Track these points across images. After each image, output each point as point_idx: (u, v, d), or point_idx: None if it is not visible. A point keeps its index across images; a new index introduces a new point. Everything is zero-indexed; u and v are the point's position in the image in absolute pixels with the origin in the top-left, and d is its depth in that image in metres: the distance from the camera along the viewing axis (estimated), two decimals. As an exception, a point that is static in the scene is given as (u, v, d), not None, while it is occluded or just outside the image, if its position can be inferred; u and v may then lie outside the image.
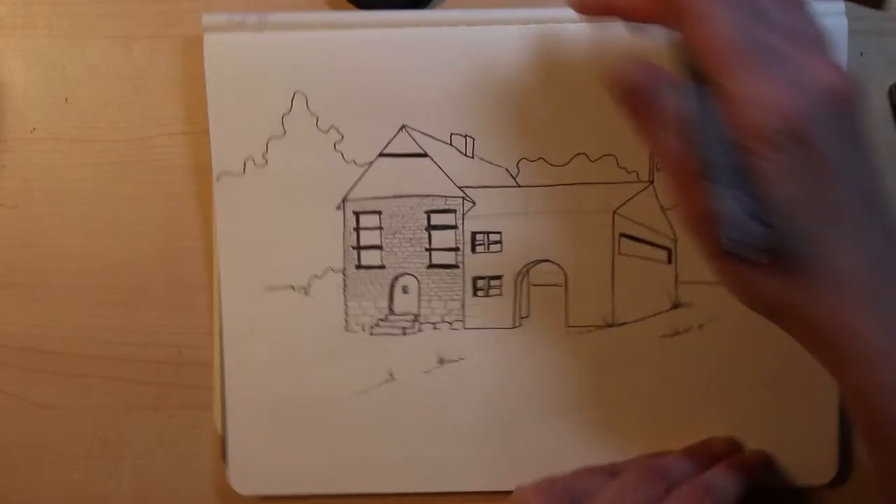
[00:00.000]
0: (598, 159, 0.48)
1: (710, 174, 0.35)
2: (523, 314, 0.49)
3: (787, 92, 0.34)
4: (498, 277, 0.49)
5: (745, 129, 0.34)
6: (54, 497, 0.51)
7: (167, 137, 0.50)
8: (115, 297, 0.51)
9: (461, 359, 0.49)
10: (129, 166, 0.50)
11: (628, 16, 0.39)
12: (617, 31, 0.41)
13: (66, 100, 0.50)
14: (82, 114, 0.50)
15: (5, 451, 0.51)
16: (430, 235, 0.49)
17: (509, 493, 0.47)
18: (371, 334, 0.49)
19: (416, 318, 0.49)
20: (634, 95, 0.37)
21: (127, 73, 0.50)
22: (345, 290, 0.49)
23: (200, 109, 0.49)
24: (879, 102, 0.50)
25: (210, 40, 0.48)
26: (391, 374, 0.49)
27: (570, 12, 0.42)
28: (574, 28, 0.47)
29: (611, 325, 0.49)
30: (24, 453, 0.51)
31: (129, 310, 0.51)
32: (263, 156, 0.48)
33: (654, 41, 0.39)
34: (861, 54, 0.49)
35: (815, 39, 0.37)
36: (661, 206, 0.49)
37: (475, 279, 0.49)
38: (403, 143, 0.48)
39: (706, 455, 0.48)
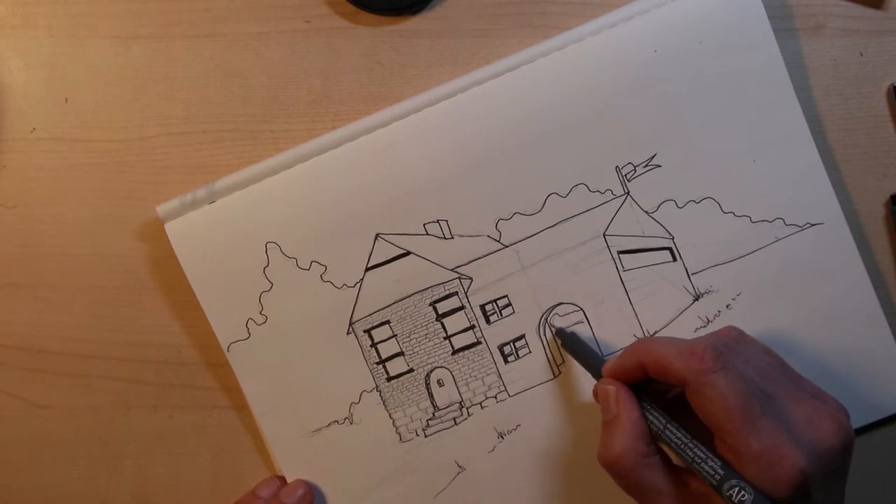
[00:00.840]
0: (569, 193, 0.49)
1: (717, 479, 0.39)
2: (559, 361, 0.50)
3: (791, 452, 0.37)
4: (521, 337, 0.50)
5: (754, 480, 0.38)
6: (54, 497, 0.51)
7: (167, 137, 0.50)
8: (115, 297, 0.51)
9: (518, 426, 0.50)
10: (129, 166, 0.50)
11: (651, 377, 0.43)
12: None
13: (66, 100, 0.50)
14: (82, 114, 0.50)
15: (5, 451, 0.51)
16: (443, 324, 0.50)
17: None
18: (426, 436, 0.50)
19: (462, 404, 0.50)
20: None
21: (127, 73, 0.50)
22: (385, 406, 0.50)
23: (200, 109, 0.49)
24: (879, 102, 0.50)
25: (171, 228, 0.48)
26: (459, 465, 0.50)
27: (497, 66, 0.46)
28: (507, 79, 0.48)
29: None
30: (24, 453, 0.51)
31: (129, 310, 0.51)
32: (261, 313, 0.49)
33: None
34: (861, 54, 0.49)
35: (812, 387, 0.41)
36: (646, 211, 0.49)
37: (501, 347, 0.50)
38: (384, 250, 0.49)
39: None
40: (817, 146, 0.49)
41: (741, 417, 0.38)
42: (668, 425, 0.41)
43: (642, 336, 0.49)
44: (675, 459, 0.42)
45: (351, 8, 0.49)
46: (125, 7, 0.50)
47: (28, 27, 0.50)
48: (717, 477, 0.38)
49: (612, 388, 0.43)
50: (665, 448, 0.42)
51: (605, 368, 0.44)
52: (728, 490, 0.37)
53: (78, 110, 0.50)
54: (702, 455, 0.39)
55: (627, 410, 0.42)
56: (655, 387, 0.44)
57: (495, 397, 0.50)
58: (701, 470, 0.39)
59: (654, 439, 0.42)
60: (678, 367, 0.40)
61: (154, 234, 0.50)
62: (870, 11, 0.49)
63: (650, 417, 0.42)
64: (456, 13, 0.50)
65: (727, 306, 0.49)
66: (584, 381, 0.49)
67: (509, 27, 0.49)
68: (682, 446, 0.40)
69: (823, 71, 0.49)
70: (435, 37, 0.50)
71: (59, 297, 0.51)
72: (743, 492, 0.37)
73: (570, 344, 0.48)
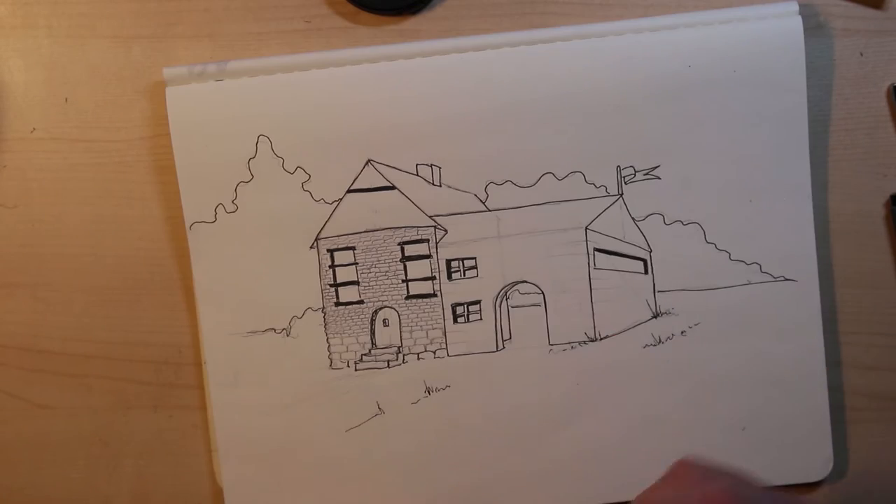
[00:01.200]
0: (565, 177, 0.49)
1: None
2: (505, 337, 0.50)
3: None
4: (476, 303, 0.50)
5: None
6: (54, 497, 0.51)
7: (167, 137, 0.50)
8: (115, 297, 0.51)
9: (448, 386, 0.50)
10: (129, 166, 0.50)
11: None
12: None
13: (66, 100, 0.50)
14: (82, 114, 0.50)
15: (5, 451, 0.51)
16: (405, 266, 0.50)
17: None
18: (356, 370, 0.50)
19: (399, 349, 0.50)
20: None
21: (127, 73, 0.50)
22: (326, 328, 0.50)
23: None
24: (879, 102, 0.50)
25: (172, 93, 0.48)
26: (380, 408, 0.50)
27: (534, 34, 0.45)
28: (538, 50, 0.48)
29: (593, 340, 0.49)
30: (24, 453, 0.51)
31: (129, 310, 0.51)
32: (233, 202, 0.49)
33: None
34: (861, 54, 0.49)
35: None
36: (633, 218, 0.49)
37: (454, 306, 0.50)
38: (370, 178, 0.49)
39: None
40: (817, 146, 0.49)
41: None
42: None
43: (594, 336, 0.49)
44: None
45: (351, 8, 0.49)
46: (125, 7, 0.50)
47: (28, 27, 0.50)
48: None
49: None
50: None
51: None
52: None
53: (78, 110, 0.50)
54: None
55: None
56: None
57: (434, 353, 0.50)
58: None
59: None
60: None
61: (154, 234, 0.50)
62: (870, 11, 0.49)
63: None
64: (456, 13, 0.50)
65: (682, 332, 0.49)
66: (524, 362, 0.49)
67: (509, 27, 0.49)
68: None
69: (823, 71, 0.49)
70: (435, 37, 0.50)
71: (59, 297, 0.51)
72: None
73: None
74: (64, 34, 0.50)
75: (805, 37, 0.47)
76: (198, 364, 0.51)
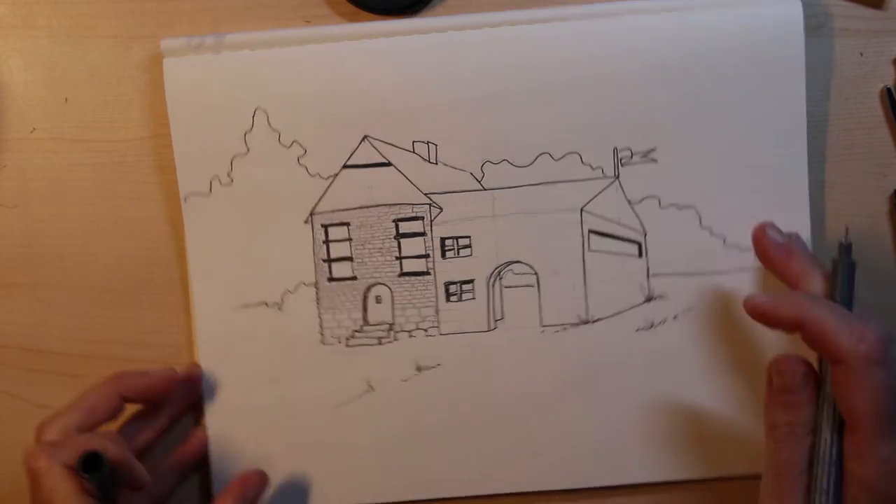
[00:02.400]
0: (561, 157, 0.49)
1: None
2: (497, 317, 0.50)
3: None
4: (470, 282, 0.49)
5: (869, 485, 0.38)
6: (54, 497, 0.51)
7: (167, 137, 0.50)
8: (115, 297, 0.51)
9: (438, 365, 0.50)
10: (129, 166, 0.50)
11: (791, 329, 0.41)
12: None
13: (66, 100, 0.50)
14: (82, 114, 0.50)
15: (5, 451, 0.51)
16: (399, 244, 0.49)
17: (491, 497, 0.48)
18: (347, 346, 0.50)
19: (391, 327, 0.50)
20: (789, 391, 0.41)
21: (127, 73, 0.50)
22: (318, 304, 0.50)
23: (200, 109, 0.49)
24: (879, 102, 0.50)
25: (169, 64, 0.48)
26: (370, 385, 0.50)
27: (533, 14, 0.46)
28: (537, 30, 0.47)
29: (586, 322, 0.49)
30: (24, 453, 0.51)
31: (129, 310, 0.51)
32: (228, 174, 0.49)
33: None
34: (861, 54, 0.49)
35: None
36: (629, 201, 0.49)
37: (447, 285, 0.50)
38: (367, 154, 0.49)
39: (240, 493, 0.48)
40: (817, 146, 0.49)
41: (883, 418, 0.37)
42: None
43: (586, 318, 0.49)
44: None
45: (351, 8, 0.49)
46: (125, 7, 0.50)
47: (28, 27, 0.50)
48: None
49: (803, 369, 0.41)
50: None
51: (759, 303, 0.41)
52: None
53: (78, 110, 0.50)
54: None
55: (810, 401, 0.40)
56: None
57: (426, 330, 0.50)
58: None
59: None
60: (843, 343, 0.38)
61: (154, 234, 0.50)
62: (870, 11, 0.49)
63: None
64: (456, 13, 0.49)
65: (674, 317, 0.49)
66: (516, 342, 0.49)
67: (509, 27, 0.49)
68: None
69: (823, 71, 0.49)
70: (435, 37, 0.50)
71: (59, 297, 0.51)
72: None
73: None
74: (64, 34, 0.50)
75: (805, 37, 0.47)
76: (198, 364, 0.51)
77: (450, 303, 0.50)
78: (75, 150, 0.51)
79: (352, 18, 0.50)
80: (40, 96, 0.51)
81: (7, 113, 0.51)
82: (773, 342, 0.48)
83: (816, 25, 0.49)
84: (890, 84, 0.49)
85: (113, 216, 0.51)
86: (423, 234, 0.49)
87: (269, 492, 0.50)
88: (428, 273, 0.50)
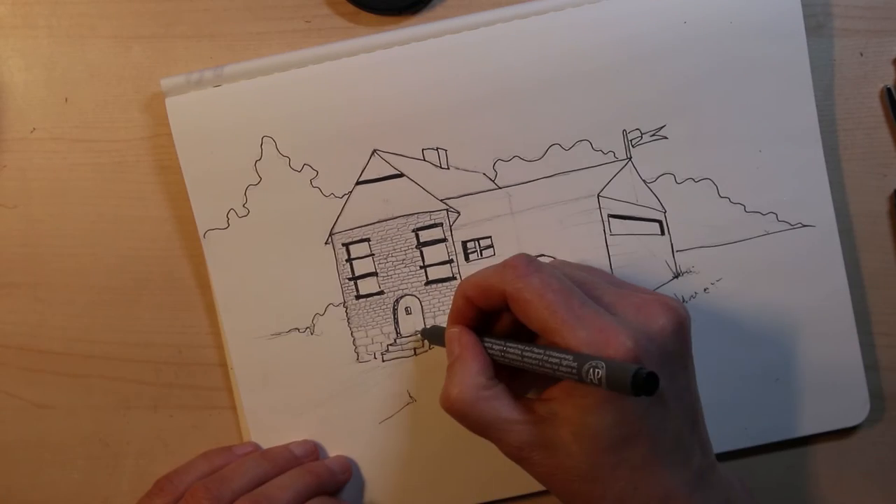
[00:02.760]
0: (572, 147, 0.49)
1: None
2: None
3: (618, 333, 0.37)
4: None
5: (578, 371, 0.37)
6: (54, 497, 0.51)
7: (167, 137, 0.49)
8: (115, 297, 0.51)
9: None
10: (129, 166, 0.50)
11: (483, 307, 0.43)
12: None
13: (66, 100, 0.50)
14: (82, 114, 0.50)
15: (5, 451, 0.51)
16: (422, 253, 0.49)
17: (539, 494, 0.48)
18: (383, 361, 0.50)
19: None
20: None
21: (127, 73, 0.50)
22: (349, 323, 0.50)
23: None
24: (879, 102, 0.50)
25: (172, 103, 0.48)
26: (411, 396, 0.50)
27: (526, 7, 0.46)
28: (532, 23, 0.48)
29: None
30: (24, 453, 0.51)
31: (129, 310, 0.51)
32: (244, 205, 0.49)
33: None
34: (861, 54, 0.49)
35: (642, 289, 0.42)
36: (644, 181, 0.49)
37: None
38: (378, 167, 0.49)
39: (283, 458, 0.48)
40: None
41: (563, 310, 0.38)
42: (507, 345, 0.41)
43: None
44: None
45: (351, 8, 0.49)
46: (125, 7, 0.50)
47: (28, 27, 0.50)
48: (573, 366, 0.37)
49: (455, 329, 0.43)
50: (516, 368, 0.41)
51: (447, 320, 0.44)
52: (587, 371, 0.36)
53: (78, 110, 0.50)
54: (548, 353, 0.38)
55: (468, 346, 0.42)
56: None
57: None
58: (555, 368, 0.38)
59: (496, 372, 0.42)
60: (495, 282, 0.40)
61: (154, 234, 0.50)
62: (870, 11, 0.49)
63: (489, 346, 0.42)
64: (456, 13, 0.49)
65: (705, 290, 0.49)
66: None
67: (509, 27, 0.49)
68: (526, 354, 0.39)
69: (823, 71, 0.49)
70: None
71: (59, 297, 0.51)
72: (597, 369, 0.35)
73: (433, 336, 0.48)
74: (64, 34, 0.50)
75: (805, 37, 0.47)
76: (198, 364, 0.51)
77: None
78: (75, 150, 0.50)
79: (352, 18, 0.50)
80: (40, 96, 0.51)
81: (7, 113, 0.51)
82: (808, 303, 0.48)
83: (816, 25, 0.49)
84: (890, 84, 0.49)
85: (113, 216, 0.51)
86: (444, 240, 0.49)
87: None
88: (454, 278, 0.50)
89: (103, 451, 0.51)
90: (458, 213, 0.49)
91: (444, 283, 0.50)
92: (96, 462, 0.51)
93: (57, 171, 0.50)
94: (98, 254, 0.51)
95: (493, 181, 0.49)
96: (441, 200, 0.49)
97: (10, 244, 0.51)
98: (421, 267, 0.49)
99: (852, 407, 0.49)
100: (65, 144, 0.50)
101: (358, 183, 0.49)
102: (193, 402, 0.51)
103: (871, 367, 0.50)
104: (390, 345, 0.50)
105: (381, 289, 0.50)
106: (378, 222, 0.49)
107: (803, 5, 0.48)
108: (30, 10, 0.50)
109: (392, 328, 0.50)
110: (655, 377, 0.34)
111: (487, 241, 0.49)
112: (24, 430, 0.51)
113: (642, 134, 0.48)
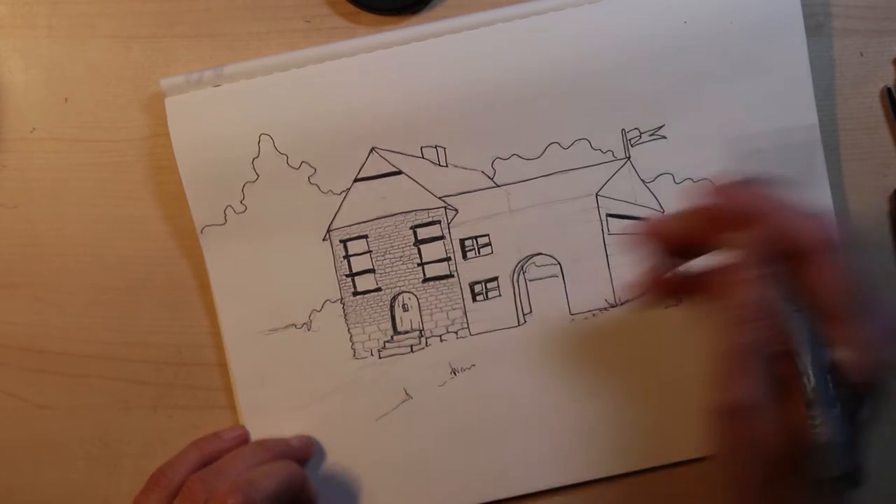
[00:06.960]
0: (570, 145, 0.49)
1: (818, 400, 0.35)
2: (526, 311, 0.49)
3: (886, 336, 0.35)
4: (494, 279, 0.49)
5: (862, 367, 0.35)
6: (54, 497, 0.51)
7: (167, 137, 0.49)
8: (114, 297, 0.51)
9: (473, 366, 0.50)
10: (129, 166, 0.50)
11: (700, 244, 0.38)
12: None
13: (66, 100, 0.50)
14: (82, 114, 0.50)
15: (5, 451, 0.51)
16: (419, 250, 0.50)
17: (538, 493, 0.48)
18: (380, 357, 0.50)
19: (421, 333, 0.50)
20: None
21: (127, 73, 0.50)
22: (346, 319, 0.50)
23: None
24: (879, 102, 0.50)
25: (171, 103, 0.48)
26: (407, 393, 0.50)
27: (525, 7, 0.46)
28: (532, 22, 0.48)
29: (614, 306, 0.49)
30: (24, 453, 0.51)
31: (129, 310, 0.51)
32: (241, 202, 0.49)
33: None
34: (861, 54, 0.49)
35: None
36: (642, 180, 0.49)
37: (472, 285, 0.50)
38: (376, 165, 0.49)
39: (280, 448, 0.48)
40: (816, 146, 0.49)
41: (857, 301, 0.35)
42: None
43: (614, 302, 0.49)
44: None
45: (351, 8, 0.49)
46: (125, 7, 0.50)
47: (28, 27, 0.50)
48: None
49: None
50: None
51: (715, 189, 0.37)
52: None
53: (78, 110, 0.50)
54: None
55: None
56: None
57: (456, 333, 0.50)
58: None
59: None
60: (810, 234, 0.35)
61: (154, 234, 0.50)
62: (870, 11, 0.49)
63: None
64: (456, 13, 0.49)
65: None
66: (547, 334, 0.49)
67: (509, 27, 0.49)
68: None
69: (823, 71, 0.49)
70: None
71: (59, 297, 0.51)
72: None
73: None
74: (64, 34, 0.50)
75: (805, 37, 0.47)
76: (197, 364, 0.51)
77: (477, 302, 0.50)
78: (75, 150, 0.50)
79: (352, 18, 0.50)
80: (40, 96, 0.51)
81: (7, 113, 0.51)
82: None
83: (816, 25, 0.49)
84: (890, 84, 0.49)
85: (113, 216, 0.51)
86: (441, 237, 0.49)
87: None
88: (451, 276, 0.50)
89: (103, 451, 0.51)
90: (457, 210, 0.49)
91: (442, 281, 0.50)
92: (96, 462, 0.51)
93: (57, 171, 0.50)
94: (98, 254, 0.51)
95: (492, 179, 0.49)
96: (439, 198, 0.49)
97: (10, 244, 0.51)
98: (418, 264, 0.50)
99: None
100: (65, 144, 0.50)
101: (356, 180, 0.49)
102: (193, 401, 0.51)
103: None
104: (387, 341, 0.50)
105: (379, 285, 0.50)
106: (376, 219, 0.49)
107: (803, 5, 0.48)
108: (30, 10, 0.50)
109: (389, 325, 0.50)
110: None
111: (485, 240, 0.49)
112: (24, 430, 0.51)
113: (641, 133, 0.48)
